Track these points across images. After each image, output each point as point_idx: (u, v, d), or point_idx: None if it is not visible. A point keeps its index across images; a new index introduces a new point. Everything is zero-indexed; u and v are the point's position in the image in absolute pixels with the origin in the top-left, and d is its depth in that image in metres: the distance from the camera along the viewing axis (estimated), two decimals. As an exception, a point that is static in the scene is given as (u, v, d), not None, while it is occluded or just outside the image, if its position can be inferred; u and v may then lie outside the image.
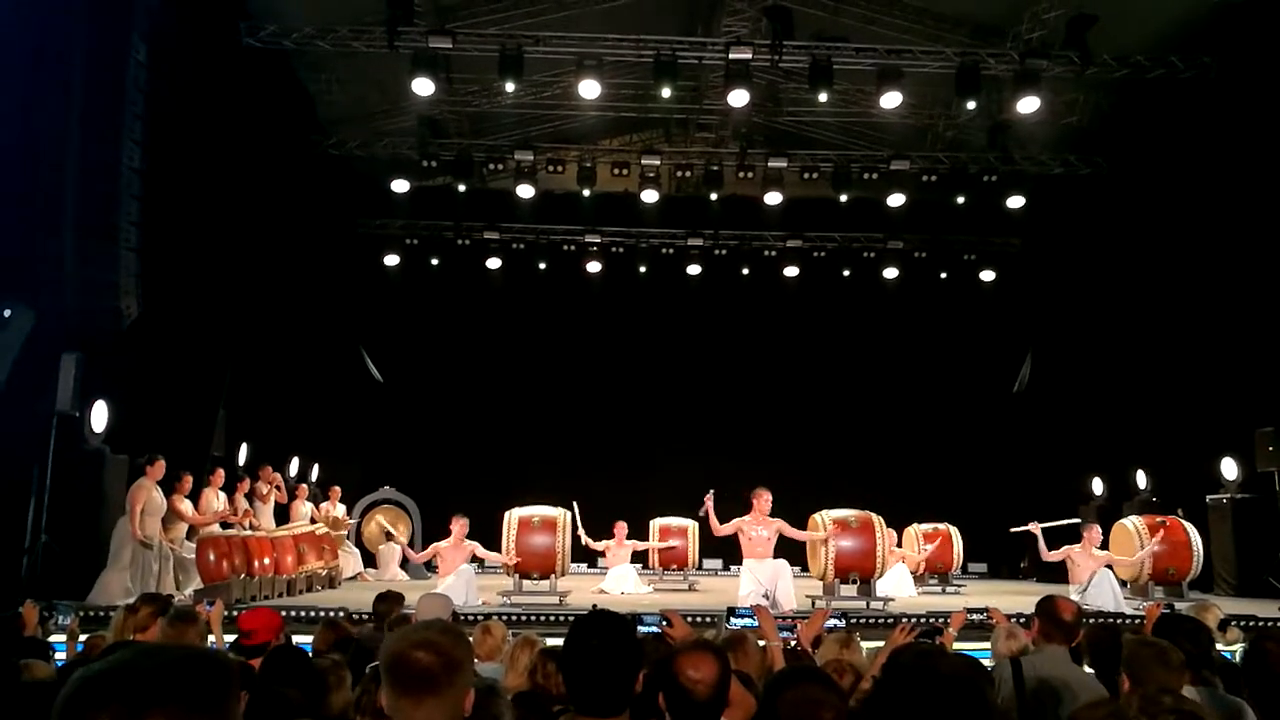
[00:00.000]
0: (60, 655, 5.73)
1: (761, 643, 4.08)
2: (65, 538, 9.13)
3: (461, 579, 9.87)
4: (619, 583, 12.07)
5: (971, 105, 12.66)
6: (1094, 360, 14.71)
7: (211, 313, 11.45)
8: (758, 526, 9.62)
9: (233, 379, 12.23)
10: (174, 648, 1.58)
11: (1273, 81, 10.87)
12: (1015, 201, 14.79)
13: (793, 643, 4.52)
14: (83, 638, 5.65)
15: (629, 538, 12.83)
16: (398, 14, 11.49)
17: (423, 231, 16.61)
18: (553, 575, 9.94)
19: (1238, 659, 5.10)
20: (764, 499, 9.75)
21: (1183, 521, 10.83)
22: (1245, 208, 11.39)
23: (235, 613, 6.30)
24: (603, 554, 12.71)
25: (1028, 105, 12.17)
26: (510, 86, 12.29)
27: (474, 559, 10.38)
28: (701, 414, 16.70)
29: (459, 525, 10.20)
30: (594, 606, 8.65)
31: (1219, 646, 5.02)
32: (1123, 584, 10.95)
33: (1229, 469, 12.47)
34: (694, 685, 2.42)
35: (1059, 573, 14.53)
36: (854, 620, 8.02)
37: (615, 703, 2.38)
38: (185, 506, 10.11)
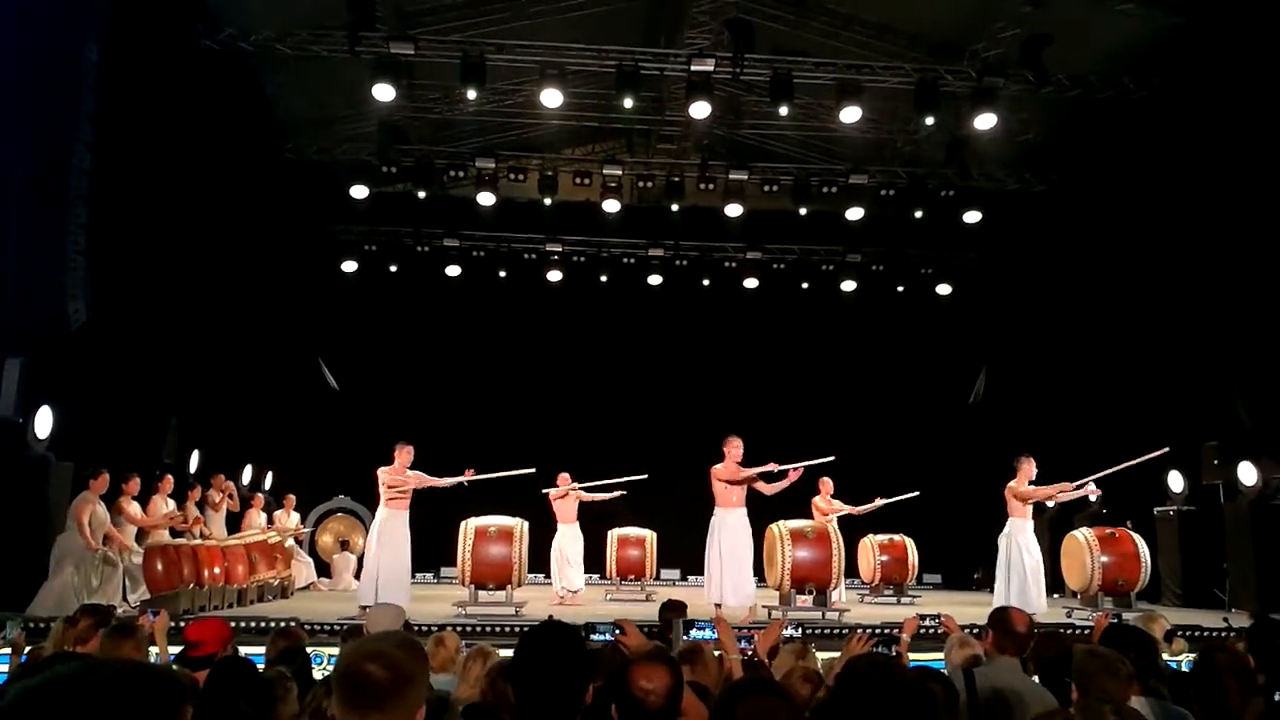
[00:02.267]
0: (3, 668, 5.59)
1: (718, 654, 4.08)
2: (7, 546, 8.90)
3: (398, 528, 9.57)
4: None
5: (930, 121, 12.82)
6: (1047, 374, 14.95)
7: (163, 317, 11.24)
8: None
9: (185, 385, 12.02)
10: (121, 662, 1.54)
11: (1218, 103, 11.15)
12: (972, 216, 14.98)
13: (749, 653, 4.52)
14: (26, 649, 5.51)
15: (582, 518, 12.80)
16: (359, 19, 11.39)
17: (382, 238, 16.46)
18: (509, 586, 9.87)
19: (1185, 669, 5.19)
20: (732, 446, 9.88)
21: (1131, 533, 11.02)
22: (1193, 226, 11.65)
23: (183, 623, 6.17)
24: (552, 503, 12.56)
25: (984, 122, 12.36)
26: (472, 94, 12.24)
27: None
28: (660, 424, 16.69)
29: (403, 453, 9.72)
30: (550, 617, 8.61)
31: (1165, 657, 5.11)
32: (1073, 595, 11.14)
33: (1175, 482, 12.73)
34: (646, 695, 2.41)
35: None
36: (810, 630, 8.05)
37: (564, 714, 2.36)
38: (134, 509, 9.91)
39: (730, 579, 9.42)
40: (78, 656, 4.04)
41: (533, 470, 10.56)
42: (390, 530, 9.59)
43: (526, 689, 2.42)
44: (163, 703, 1.29)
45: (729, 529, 9.73)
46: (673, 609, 5.94)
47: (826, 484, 12.51)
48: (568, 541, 12.45)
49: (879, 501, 12.91)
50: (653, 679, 2.43)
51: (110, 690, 1.25)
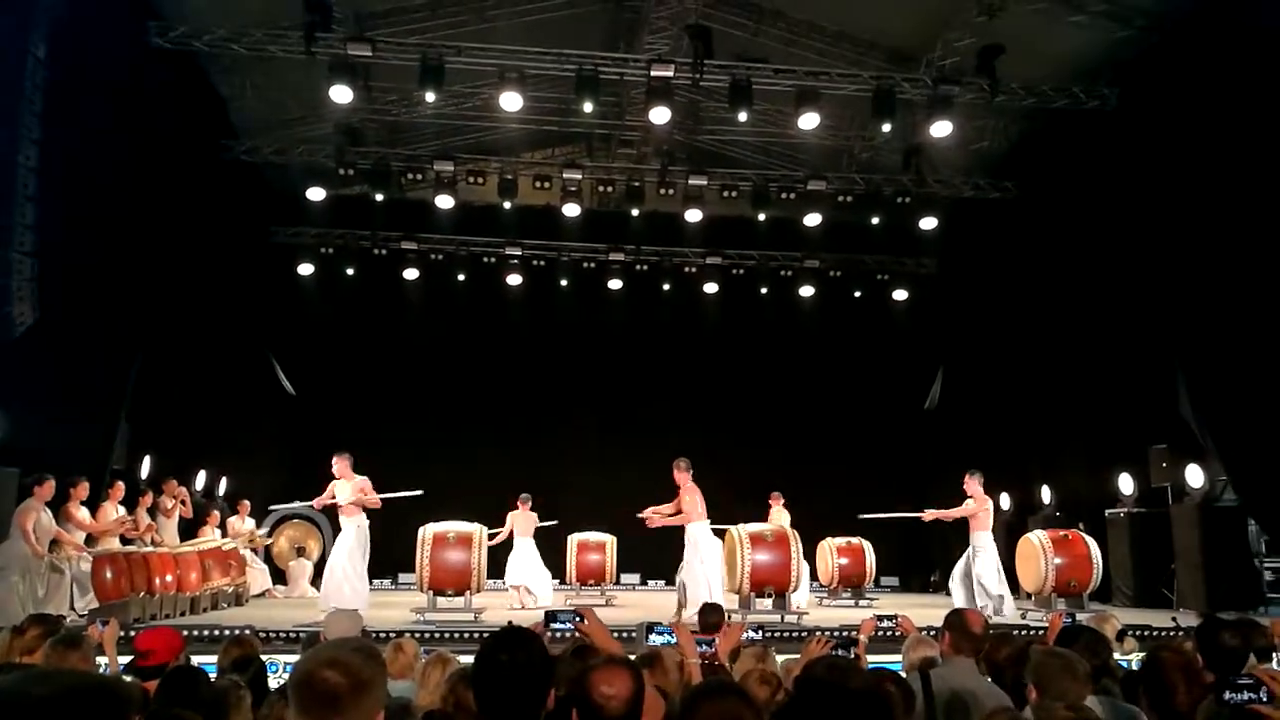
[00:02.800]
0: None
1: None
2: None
3: (358, 535, 9.71)
4: (523, 573, 12.02)
5: (887, 128, 12.95)
6: (1002, 379, 15.17)
7: (113, 320, 11.00)
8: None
9: (135, 389, 11.77)
10: (66, 673, 1.51)
11: (1167, 112, 11.41)
12: (928, 223, 15.18)
13: (709, 656, 4.52)
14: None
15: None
16: (316, 19, 11.26)
17: (338, 241, 16.29)
18: (468, 592, 9.80)
19: (1136, 667, 5.28)
20: (679, 473, 10.34)
21: (1084, 535, 11.22)
22: (1144, 233, 11.89)
23: (133, 632, 6.04)
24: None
25: (940, 129, 12.52)
26: (430, 96, 12.14)
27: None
28: (619, 429, 16.70)
29: (343, 463, 9.94)
30: (509, 623, 8.57)
31: (1116, 656, 5.19)
32: (1028, 596, 11.31)
33: (1126, 484, 12.98)
34: (606, 701, 2.40)
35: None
36: (770, 634, 8.08)
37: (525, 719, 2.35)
38: (82, 514, 9.68)
39: (693, 589, 9.58)
40: (22, 668, 3.94)
41: (420, 492, 10.49)
42: (352, 538, 9.70)
43: (488, 694, 2.40)
44: (108, 714, 1.26)
45: (691, 544, 10.12)
46: (714, 612, 6.18)
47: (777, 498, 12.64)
48: (528, 558, 12.37)
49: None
50: (614, 684, 2.42)
51: (54, 701, 1.23)
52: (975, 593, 10.48)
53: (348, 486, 9.87)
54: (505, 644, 2.47)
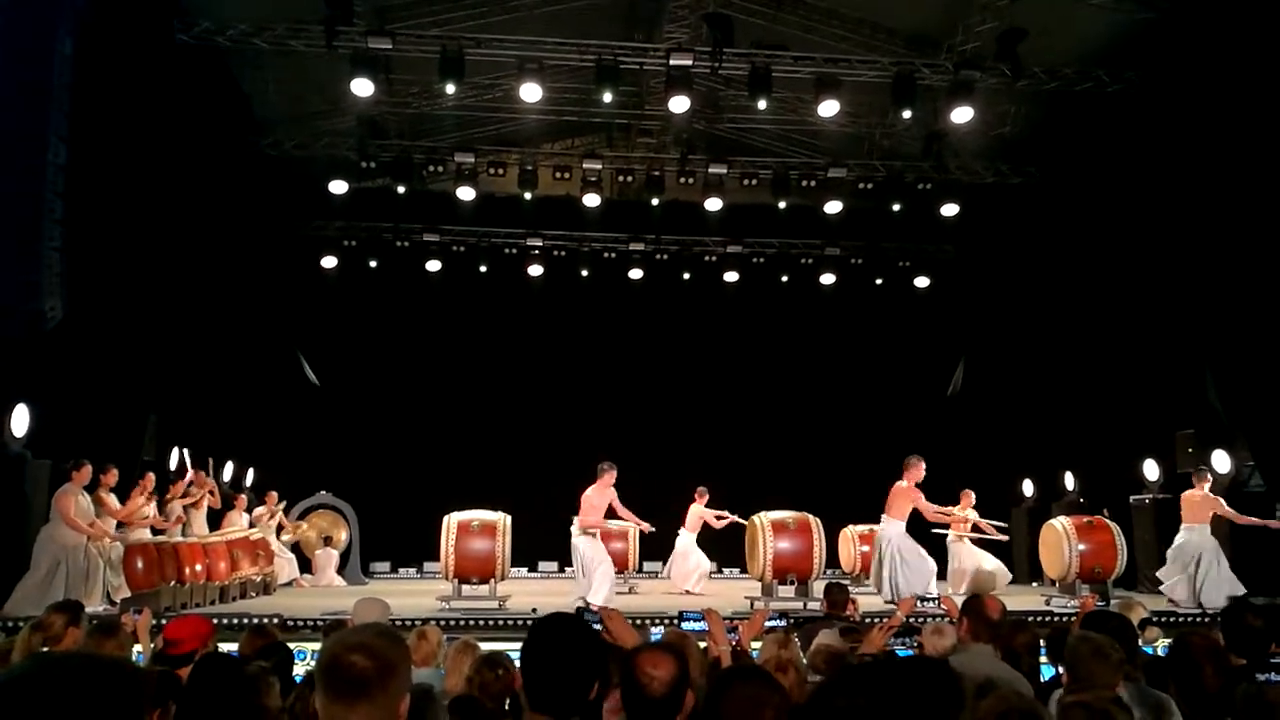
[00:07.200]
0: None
1: (702, 645, 4.11)
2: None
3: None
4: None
5: (907, 114, 12.85)
6: (1024, 365, 15.07)
7: (141, 314, 11.14)
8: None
9: (164, 382, 11.92)
10: (78, 656, 1.53)
11: (1192, 95, 11.27)
12: (949, 209, 15.07)
13: (733, 642, 4.55)
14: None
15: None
16: (336, 13, 11.30)
17: (361, 233, 16.38)
18: (492, 579, 9.87)
19: (1162, 654, 5.26)
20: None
21: (1108, 521, 11.14)
22: (1168, 217, 11.77)
23: (164, 621, 6.14)
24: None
25: (961, 115, 12.42)
26: (451, 88, 12.18)
27: None
28: (642, 417, 16.72)
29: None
30: (533, 610, 8.64)
31: (1139, 643, 5.18)
32: (1052, 583, 11.26)
33: (1151, 470, 12.87)
34: (650, 681, 2.45)
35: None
36: (793, 620, 8.10)
37: (570, 704, 2.39)
38: (112, 500, 9.83)
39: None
40: (41, 654, 4.02)
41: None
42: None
43: (537, 674, 2.45)
44: (120, 698, 1.29)
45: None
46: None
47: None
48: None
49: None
50: (659, 666, 2.47)
51: (67, 685, 1.25)
52: None
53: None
54: (559, 629, 2.53)
